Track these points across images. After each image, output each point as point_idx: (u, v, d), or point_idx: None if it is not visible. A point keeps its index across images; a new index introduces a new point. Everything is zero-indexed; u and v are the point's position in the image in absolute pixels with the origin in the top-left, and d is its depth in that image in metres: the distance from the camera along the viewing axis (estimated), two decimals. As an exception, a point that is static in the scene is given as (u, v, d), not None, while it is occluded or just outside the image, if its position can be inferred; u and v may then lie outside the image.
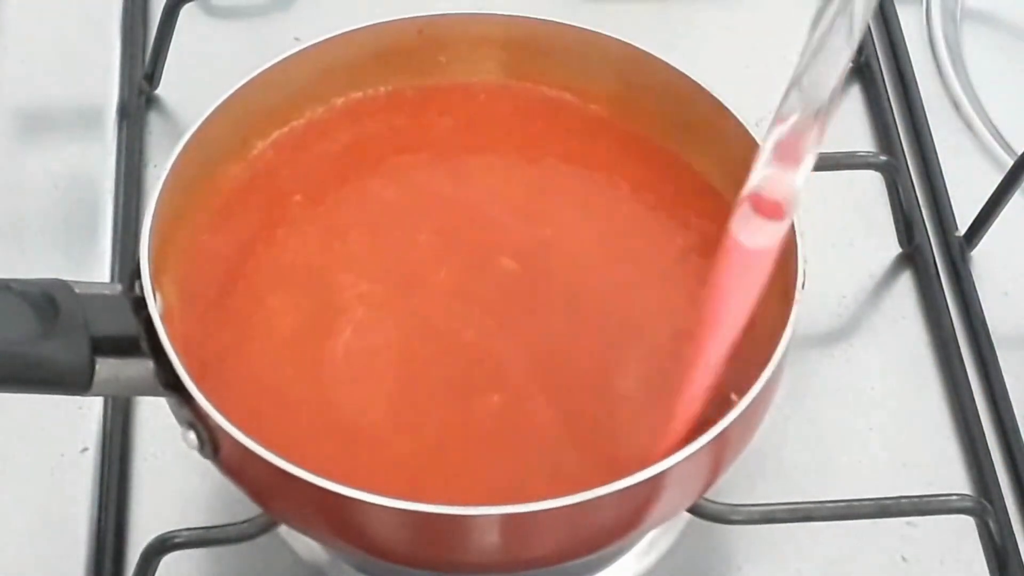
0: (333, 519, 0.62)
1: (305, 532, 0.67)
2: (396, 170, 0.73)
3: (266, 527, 0.67)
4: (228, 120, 0.71)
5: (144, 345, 0.62)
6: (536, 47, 0.74)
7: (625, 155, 0.73)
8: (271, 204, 0.72)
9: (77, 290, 0.62)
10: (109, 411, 0.77)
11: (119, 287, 0.63)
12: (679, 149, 0.73)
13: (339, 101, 0.74)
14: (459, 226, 0.71)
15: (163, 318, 0.63)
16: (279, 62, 0.72)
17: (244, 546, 0.69)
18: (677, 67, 0.72)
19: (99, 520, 0.74)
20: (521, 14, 0.74)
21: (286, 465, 0.60)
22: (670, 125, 0.73)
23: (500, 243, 0.71)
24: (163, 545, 0.68)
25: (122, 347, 0.62)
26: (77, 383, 0.61)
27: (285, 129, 0.74)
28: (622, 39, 0.73)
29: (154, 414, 0.75)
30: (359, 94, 0.75)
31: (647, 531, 0.68)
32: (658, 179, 0.73)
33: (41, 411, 0.77)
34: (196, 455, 0.65)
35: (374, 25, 0.73)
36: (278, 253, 0.71)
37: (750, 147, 0.69)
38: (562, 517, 0.60)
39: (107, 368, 0.61)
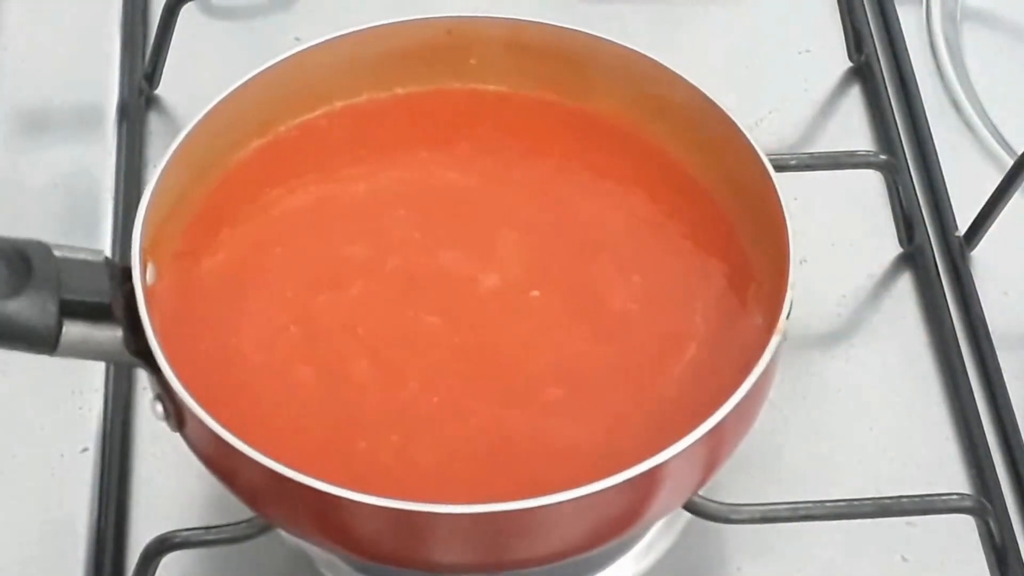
0: (290, 505, 0.63)
1: (268, 517, 0.67)
2: (405, 168, 0.73)
3: (265, 527, 0.67)
4: (246, 103, 0.71)
5: (117, 312, 0.63)
6: (558, 54, 0.73)
7: (632, 163, 0.73)
8: (274, 194, 0.72)
9: (57, 253, 0.62)
10: (109, 411, 0.77)
11: (103, 254, 0.64)
12: (684, 159, 0.73)
13: (363, 96, 0.74)
14: (464, 229, 0.71)
15: (148, 291, 0.64)
16: (303, 51, 0.72)
17: (244, 546, 0.69)
18: (689, 79, 0.72)
19: (99, 520, 0.74)
20: (538, 20, 0.74)
21: (245, 447, 0.61)
22: (687, 143, 0.72)
23: (505, 249, 0.71)
24: (163, 545, 0.68)
25: (93, 312, 0.62)
26: (42, 342, 0.61)
27: (303, 119, 0.74)
28: (656, 59, 0.72)
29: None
30: (383, 91, 0.74)
31: (644, 527, 0.68)
32: (662, 186, 0.73)
33: (41, 411, 0.77)
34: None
35: (402, 22, 0.73)
36: (276, 244, 0.71)
37: (749, 153, 0.69)
38: (558, 513, 0.60)
39: (75, 331, 0.62)
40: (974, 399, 0.78)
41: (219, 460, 0.64)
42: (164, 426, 0.66)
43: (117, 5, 0.92)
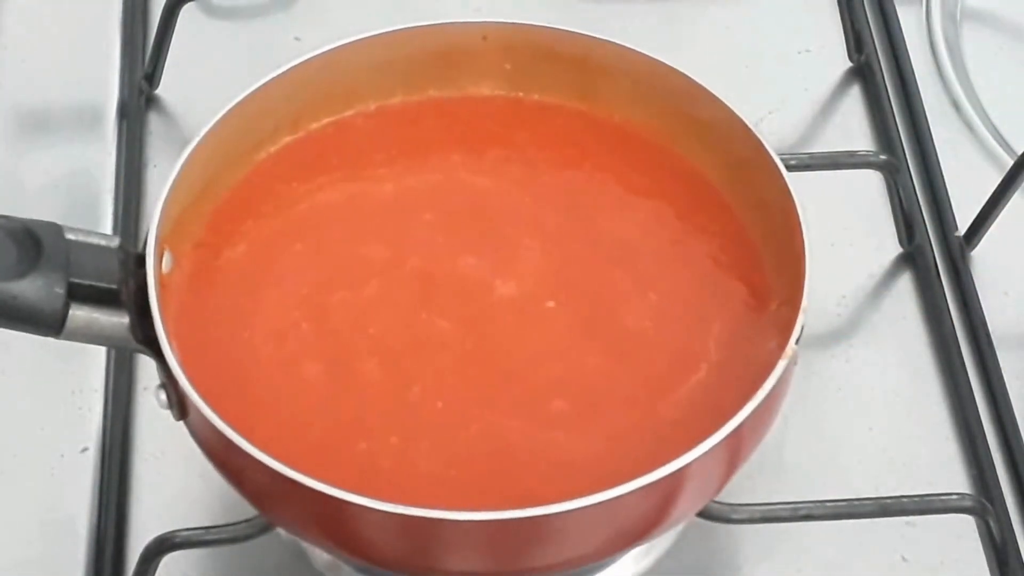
0: (285, 501, 0.63)
1: (264, 512, 0.66)
2: (434, 171, 0.73)
3: (265, 527, 0.67)
4: (278, 96, 0.71)
5: (126, 298, 0.63)
6: (592, 64, 0.73)
7: (662, 178, 0.73)
8: (301, 190, 0.72)
9: (69, 236, 0.62)
10: (109, 411, 0.77)
11: (117, 240, 0.64)
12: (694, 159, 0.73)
13: (397, 97, 0.74)
14: (487, 235, 0.71)
15: (163, 279, 0.65)
16: (338, 48, 0.72)
17: (244, 546, 0.69)
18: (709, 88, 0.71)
19: (99, 520, 0.74)
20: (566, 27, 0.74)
21: (243, 442, 0.61)
22: (718, 161, 0.72)
23: (525, 258, 0.70)
24: (163, 545, 0.68)
25: (101, 297, 0.62)
26: (47, 324, 0.61)
27: (336, 117, 0.74)
28: (689, 74, 0.72)
29: (154, 414, 0.75)
30: (417, 93, 0.74)
31: (660, 534, 0.68)
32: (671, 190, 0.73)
33: (41, 411, 0.77)
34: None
35: (438, 25, 0.73)
36: (297, 239, 0.71)
37: (774, 175, 0.69)
38: (570, 521, 0.60)
39: (81, 315, 0.62)
40: (974, 399, 0.78)
41: (217, 452, 0.64)
42: (164, 426, 0.66)
43: (117, 5, 0.92)
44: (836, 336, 0.81)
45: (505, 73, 0.74)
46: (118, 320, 0.63)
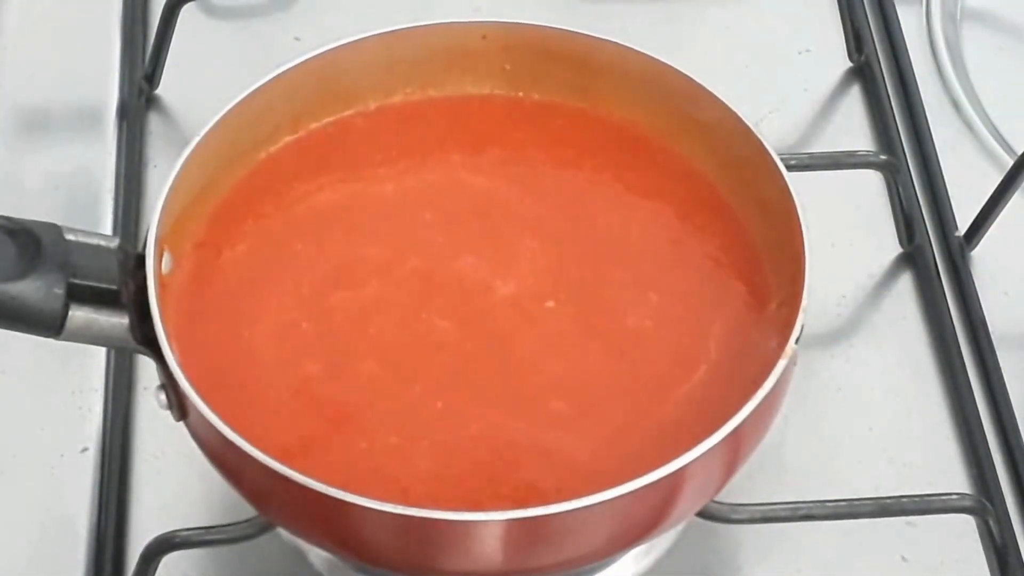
0: (283, 501, 0.63)
1: (263, 511, 0.67)
2: (434, 171, 0.73)
3: (265, 527, 0.67)
4: (278, 97, 0.71)
5: (125, 299, 0.63)
6: (592, 64, 0.73)
7: (662, 178, 0.73)
8: (302, 190, 0.72)
9: (69, 236, 0.62)
10: (109, 411, 0.77)
11: (116, 240, 0.64)
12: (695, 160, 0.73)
13: (396, 97, 0.74)
14: (487, 235, 0.71)
15: (163, 280, 0.65)
16: (338, 47, 0.72)
17: (244, 546, 0.69)
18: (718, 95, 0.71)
19: (99, 520, 0.74)
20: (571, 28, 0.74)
21: (242, 442, 0.61)
22: (718, 161, 0.72)
23: (525, 258, 0.70)
24: (163, 545, 0.68)
25: (100, 297, 0.62)
26: (47, 325, 0.61)
27: (336, 117, 0.74)
28: (689, 74, 0.72)
29: (154, 414, 0.75)
30: (417, 93, 0.74)
31: (660, 534, 0.68)
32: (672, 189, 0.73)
33: (41, 411, 0.77)
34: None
35: (438, 24, 0.73)
36: (298, 239, 0.71)
37: (775, 177, 0.69)
38: (570, 521, 0.60)
39: (81, 316, 0.62)
40: (974, 399, 0.78)
41: (217, 452, 0.64)
42: (164, 426, 0.66)
43: (117, 5, 0.92)
44: (836, 336, 0.81)
45: (505, 73, 0.74)
46: (118, 321, 0.63)
